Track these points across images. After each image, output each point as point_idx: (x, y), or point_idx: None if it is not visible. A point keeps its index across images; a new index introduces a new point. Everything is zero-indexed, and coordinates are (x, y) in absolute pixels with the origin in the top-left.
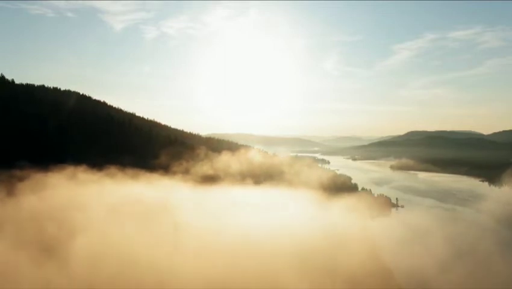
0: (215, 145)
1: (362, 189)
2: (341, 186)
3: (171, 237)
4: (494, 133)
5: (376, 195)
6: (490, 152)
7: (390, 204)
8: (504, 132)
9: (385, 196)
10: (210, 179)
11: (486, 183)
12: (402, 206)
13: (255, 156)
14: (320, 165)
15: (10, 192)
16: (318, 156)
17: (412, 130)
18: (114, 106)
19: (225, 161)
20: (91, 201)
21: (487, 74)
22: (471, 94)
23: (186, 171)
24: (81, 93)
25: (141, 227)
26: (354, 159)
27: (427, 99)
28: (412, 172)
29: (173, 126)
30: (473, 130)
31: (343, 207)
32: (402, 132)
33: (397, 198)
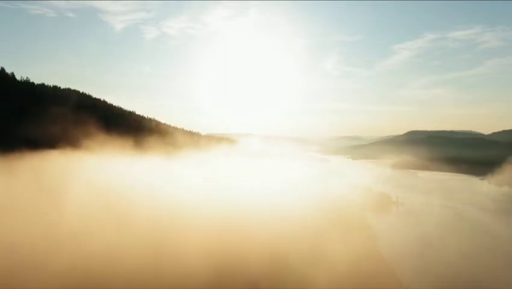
0: (215, 140)
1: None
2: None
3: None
4: (494, 133)
5: (376, 192)
6: (490, 151)
7: (390, 201)
8: (504, 131)
9: (385, 193)
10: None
11: (486, 182)
12: (402, 203)
13: (254, 145)
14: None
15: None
16: (319, 155)
17: (413, 130)
18: (114, 104)
19: (225, 149)
20: (87, 171)
21: (487, 74)
22: (471, 94)
23: (185, 156)
24: (81, 91)
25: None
26: (354, 159)
27: (427, 99)
28: (412, 171)
29: (172, 125)
30: (473, 130)
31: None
32: (402, 132)
33: (397, 196)
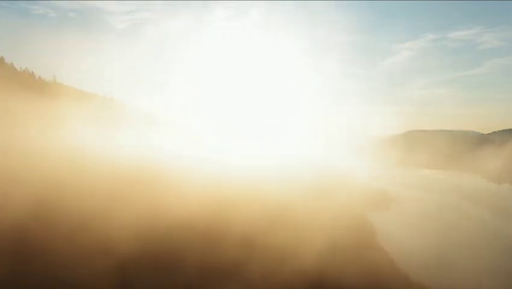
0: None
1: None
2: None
3: None
4: (494, 133)
5: (376, 190)
6: (489, 150)
7: (389, 198)
8: (504, 131)
9: (385, 191)
10: None
11: (485, 180)
12: (402, 201)
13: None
14: None
15: None
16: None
17: (413, 129)
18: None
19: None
20: None
21: (487, 74)
22: (471, 94)
23: None
24: (78, 88)
25: None
26: (354, 158)
27: (427, 99)
28: (412, 169)
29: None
30: (473, 130)
31: None
32: (402, 131)
33: (397, 194)
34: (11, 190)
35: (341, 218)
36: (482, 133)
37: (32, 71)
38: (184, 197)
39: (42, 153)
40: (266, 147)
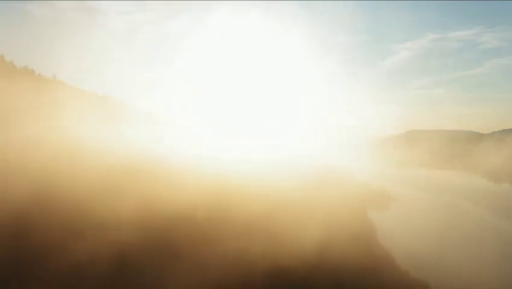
0: None
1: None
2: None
3: None
4: (494, 132)
5: (376, 189)
6: (489, 150)
7: (389, 197)
8: (504, 131)
9: (385, 190)
10: None
11: (484, 179)
12: (402, 200)
13: None
14: None
15: None
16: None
17: (413, 129)
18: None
19: None
20: None
21: (487, 74)
22: (471, 94)
23: None
24: (77, 87)
25: None
26: (355, 158)
27: (427, 99)
28: (412, 169)
29: None
30: (473, 130)
31: None
32: (402, 131)
33: (397, 193)
34: (12, 183)
35: (341, 217)
36: (482, 133)
37: (32, 69)
38: (184, 193)
39: (42, 150)
40: (266, 147)
